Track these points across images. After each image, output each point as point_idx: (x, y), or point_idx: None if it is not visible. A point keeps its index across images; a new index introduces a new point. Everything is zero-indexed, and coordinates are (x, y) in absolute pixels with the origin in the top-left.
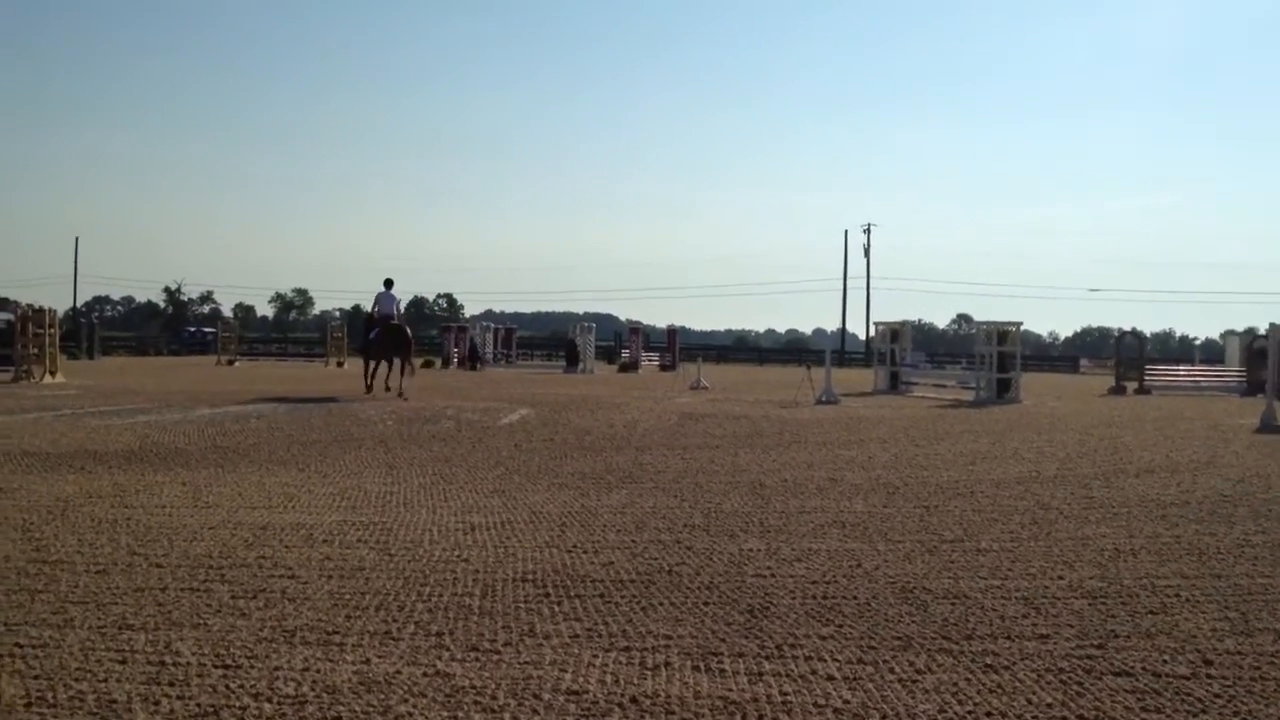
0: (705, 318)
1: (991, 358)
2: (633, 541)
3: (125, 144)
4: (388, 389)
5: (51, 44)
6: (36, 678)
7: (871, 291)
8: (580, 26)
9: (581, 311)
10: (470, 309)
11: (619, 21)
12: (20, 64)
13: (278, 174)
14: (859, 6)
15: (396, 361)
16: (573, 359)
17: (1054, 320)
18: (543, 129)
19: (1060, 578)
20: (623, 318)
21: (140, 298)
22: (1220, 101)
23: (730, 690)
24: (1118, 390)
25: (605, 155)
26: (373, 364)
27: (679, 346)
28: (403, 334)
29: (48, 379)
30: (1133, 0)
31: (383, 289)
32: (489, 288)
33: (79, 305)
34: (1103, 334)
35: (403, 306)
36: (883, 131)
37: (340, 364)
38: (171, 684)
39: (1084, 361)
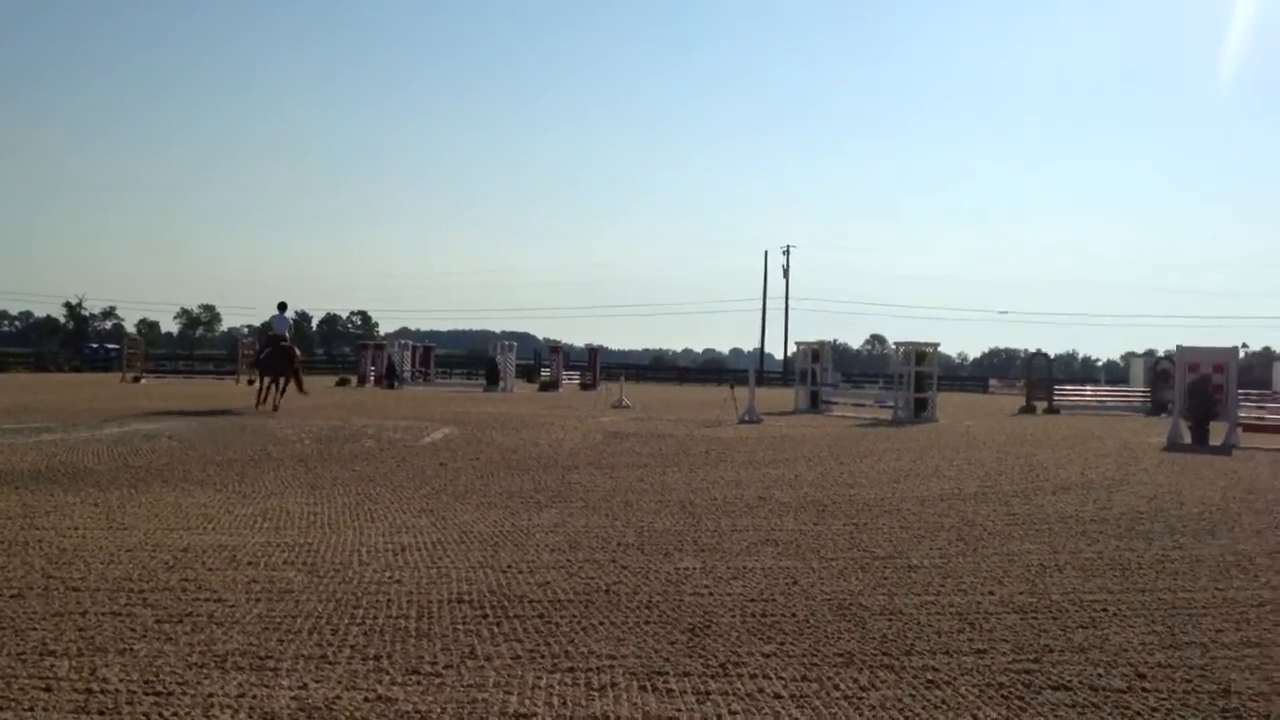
0: (622, 337)
1: (909, 377)
2: (567, 561)
3: (22, 154)
4: (275, 406)
5: None
6: None
7: (789, 312)
8: (496, 53)
9: (499, 330)
10: (385, 327)
11: (534, 47)
12: None
13: (183, 188)
14: (780, 29)
15: (282, 379)
16: (493, 377)
17: (963, 341)
18: (459, 151)
19: (991, 593)
20: (540, 336)
21: (39, 312)
22: (1122, 131)
23: (679, 710)
24: (1028, 409)
25: (521, 176)
26: (264, 380)
27: (599, 365)
28: (289, 354)
29: None
30: (1040, 30)
31: (276, 311)
32: (404, 306)
33: None
34: (1009, 355)
35: (293, 328)
36: (798, 155)
37: (251, 381)
38: (101, 712)
39: (993, 381)
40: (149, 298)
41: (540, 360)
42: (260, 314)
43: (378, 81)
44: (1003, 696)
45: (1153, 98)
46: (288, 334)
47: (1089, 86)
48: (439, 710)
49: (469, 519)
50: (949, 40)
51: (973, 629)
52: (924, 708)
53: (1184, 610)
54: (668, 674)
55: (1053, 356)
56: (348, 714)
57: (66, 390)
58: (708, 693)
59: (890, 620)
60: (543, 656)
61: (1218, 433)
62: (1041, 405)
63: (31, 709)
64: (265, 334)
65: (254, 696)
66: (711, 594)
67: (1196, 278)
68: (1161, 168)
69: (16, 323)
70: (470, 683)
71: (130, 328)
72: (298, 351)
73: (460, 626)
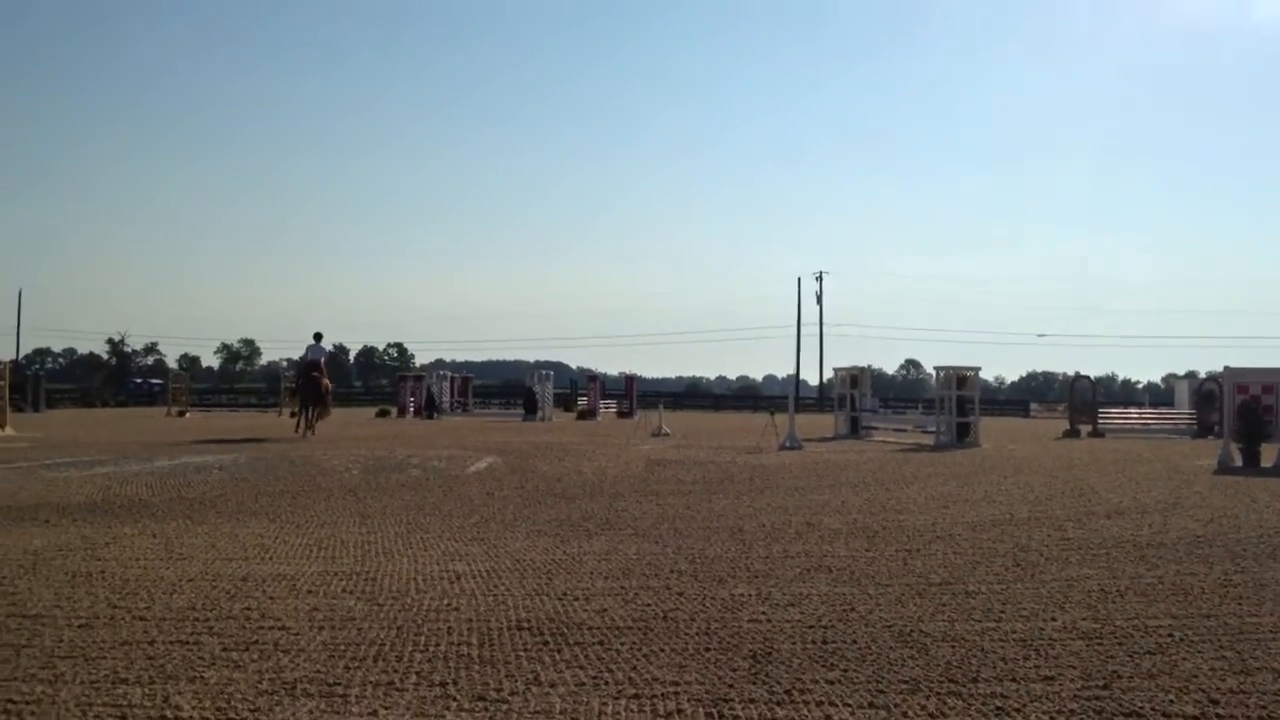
0: (656, 365)
1: (951, 402)
2: (622, 588)
3: (67, 196)
4: (312, 430)
5: None
6: None
7: (824, 338)
8: (527, 83)
9: (532, 359)
10: (421, 358)
11: (564, 77)
12: None
13: (222, 226)
14: (808, 59)
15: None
16: (531, 407)
17: (1000, 365)
18: (489, 183)
19: (1053, 619)
20: (574, 365)
21: (83, 349)
22: (1158, 150)
23: None
24: (1072, 433)
25: (551, 206)
26: (302, 407)
27: (636, 393)
28: (318, 384)
29: None
30: (1075, 50)
31: (312, 341)
32: (438, 336)
33: (21, 357)
34: (1048, 378)
35: (327, 357)
36: (831, 181)
37: (293, 414)
38: None
39: (1034, 405)
40: (189, 333)
41: (576, 389)
42: (298, 347)
43: (407, 113)
44: None
45: (1189, 113)
46: (321, 362)
47: (1125, 103)
48: None
49: (520, 547)
50: (982, 68)
51: (1038, 655)
52: None
53: (1251, 635)
54: (733, 700)
55: (1094, 379)
56: None
57: (115, 424)
58: (775, 719)
59: (953, 647)
60: (606, 683)
61: (1269, 454)
62: (1086, 429)
63: None
64: (302, 364)
65: None
66: (769, 621)
67: (1237, 297)
68: (1196, 186)
69: (61, 359)
70: (537, 709)
71: (172, 363)
72: (327, 382)
73: (522, 653)
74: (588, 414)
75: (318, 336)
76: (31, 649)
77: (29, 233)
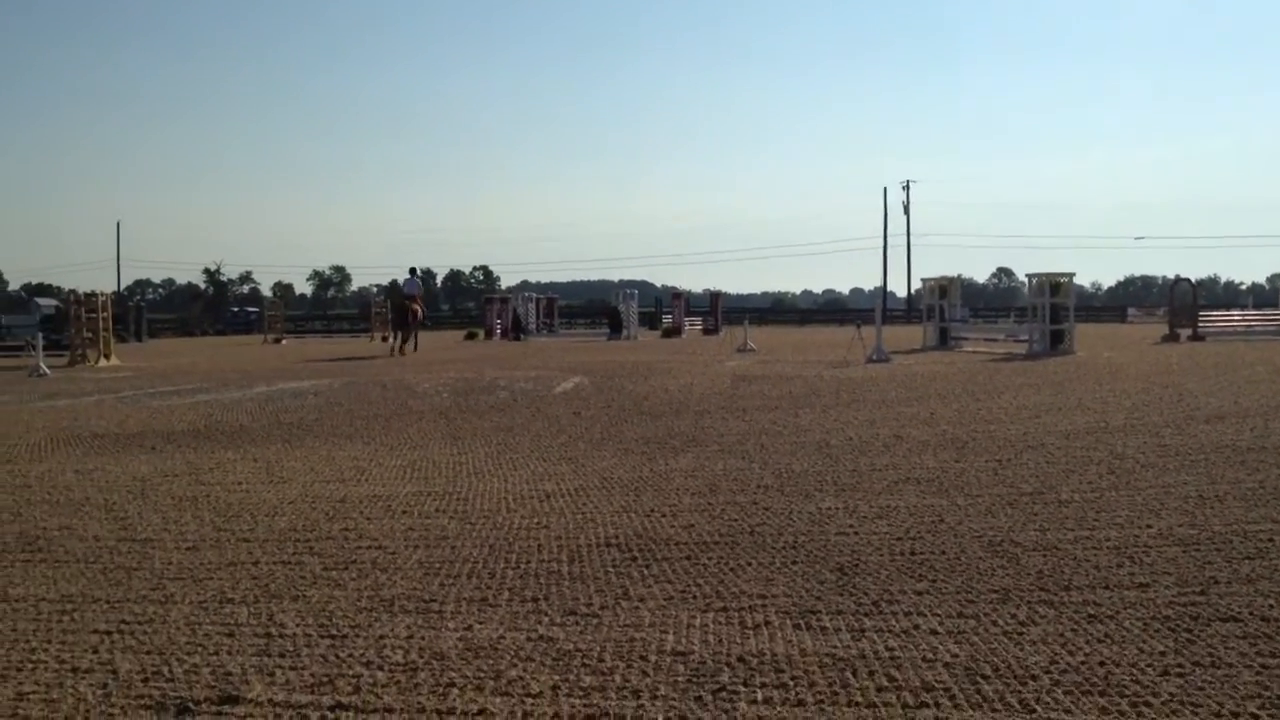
0: (740, 281)
1: (1044, 309)
2: (709, 504)
3: (161, 131)
4: (402, 352)
5: (93, 39)
6: (149, 653)
7: (911, 249)
8: (602, 5)
9: (616, 279)
10: (506, 280)
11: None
12: (62, 56)
13: (311, 156)
14: None
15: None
16: (616, 326)
17: (1096, 270)
18: (570, 103)
19: (1149, 526)
20: (658, 284)
21: (180, 279)
22: (1253, 46)
23: (835, 647)
24: (1171, 338)
25: (630, 127)
26: (396, 333)
27: (721, 310)
28: (409, 313)
29: (102, 362)
30: None
31: (408, 275)
32: (522, 258)
33: (122, 289)
34: (1146, 282)
35: (421, 289)
36: (915, 86)
37: (384, 338)
38: (282, 655)
39: (1131, 310)
40: (282, 261)
41: (661, 307)
42: (387, 272)
43: (490, 37)
44: (1169, 629)
45: None
46: (417, 294)
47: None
48: (599, 649)
49: (608, 465)
50: None
51: (1133, 563)
52: (1087, 641)
53: None
54: (820, 612)
55: (1195, 281)
56: (512, 653)
57: (214, 353)
58: (862, 630)
59: (1045, 556)
60: (694, 597)
61: None
62: (1185, 333)
63: (216, 653)
64: (397, 295)
65: (423, 637)
66: (857, 533)
67: None
68: None
69: (161, 290)
70: (627, 622)
71: (266, 291)
72: (419, 312)
73: (611, 569)
74: (673, 332)
75: (412, 271)
76: (142, 571)
77: (127, 166)
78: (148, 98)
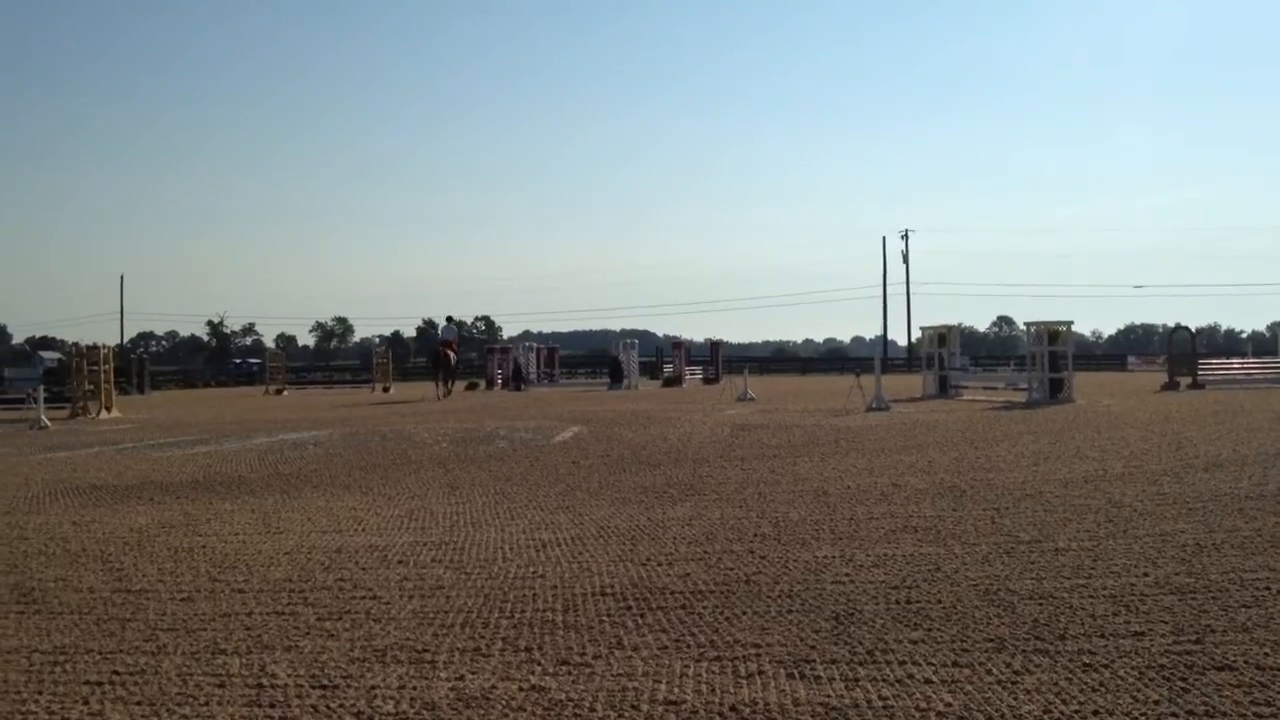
0: (742, 330)
1: (1043, 357)
2: (705, 553)
3: (165, 182)
4: (446, 393)
5: (93, 88)
6: (139, 704)
7: (911, 297)
8: (613, 50)
9: (618, 329)
10: (508, 330)
11: (650, 43)
12: (62, 105)
13: (313, 207)
14: (891, 16)
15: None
16: (617, 376)
17: (1096, 319)
18: (571, 152)
19: (1145, 575)
20: (659, 333)
21: (183, 332)
22: (1249, 91)
23: (829, 696)
24: (1171, 386)
25: (631, 176)
26: (436, 377)
27: (721, 359)
28: (442, 359)
29: (104, 414)
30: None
31: (445, 322)
32: (524, 309)
33: (126, 341)
34: (1146, 331)
35: (456, 336)
36: (915, 135)
37: (386, 389)
38: (272, 705)
39: (1132, 359)
40: (285, 313)
41: (662, 356)
42: (389, 324)
43: (487, 86)
44: (1164, 678)
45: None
46: (452, 340)
47: (1212, 45)
48: (591, 698)
49: (605, 514)
50: (1065, 8)
51: (1128, 611)
52: (1081, 690)
53: None
54: (814, 661)
55: (1194, 330)
56: (504, 703)
57: (215, 404)
58: (856, 679)
59: (1040, 604)
60: (688, 646)
61: None
62: (1185, 381)
63: (207, 704)
64: (435, 342)
65: (414, 688)
66: (853, 582)
67: None
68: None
69: (164, 342)
70: (620, 672)
71: (269, 343)
72: (451, 354)
73: (605, 618)
74: (673, 381)
75: (449, 319)
76: (135, 622)
77: (130, 219)
78: (150, 149)
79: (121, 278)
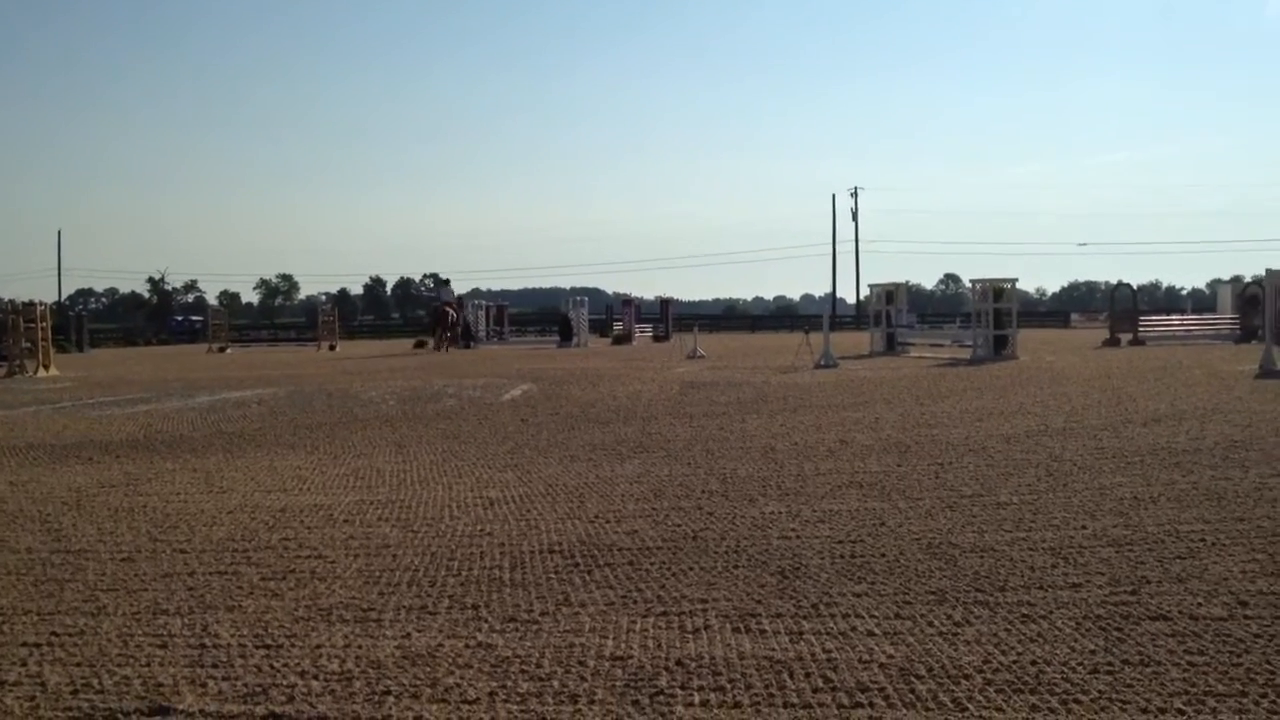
0: (693, 289)
1: (987, 315)
2: (653, 509)
3: (104, 137)
4: (437, 348)
5: (34, 41)
6: (79, 665)
7: (860, 255)
8: (561, 5)
9: (568, 286)
10: (457, 288)
11: (595, 5)
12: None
13: (257, 161)
14: None
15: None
16: (566, 334)
17: (1040, 276)
18: (522, 109)
19: (1084, 527)
20: (609, 291)
21: (124, 289)
22: (1198, 52)
23: (773, 650)
24: (1112, 342)
25: (582, 134)
26: (438, 333)
27: (671, 317)
28: (440, 315)
29: (41, 372)
30: None
31: (444, 283)
32: (473, 266)
33: (63, 298)
34: (1090, 288)
35: (453, 296)
36: (865, 93)
37: (332, 347)
38: (215, 665)
39: (1075, 315)
40: (228, 270)
41: (612, 314)
42: (335, 281)
43: (441, 43)
44: (1100, 628)
45: (1228, 14)
46: (452, 301)
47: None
48: (538, 655)
49: (553, 472)
50: None
51: (1067, 563)
52: (1019, 641)
53: None
54: (760, 615)
55: (1136, 287)
56: (450, 660)
57: (156, 362)
58: (800, 633)
59: (981, 557)
60: (635, 602)
61: None
62: (1126, 337)
63: (148, 664)
64: (435, 301)
65: (359, 646)
66: (799, 537)
67: None
68: (1237, 88)
69: (103, 299)
70: (566, 628)
71: (212, 300)
72: (450, 315)
73: (553, 575)
74: (623, 339)
75: (445, 281)
76: (75, 583)
77: (68, 173)
78: (93, 101)
79: (59, 233)
